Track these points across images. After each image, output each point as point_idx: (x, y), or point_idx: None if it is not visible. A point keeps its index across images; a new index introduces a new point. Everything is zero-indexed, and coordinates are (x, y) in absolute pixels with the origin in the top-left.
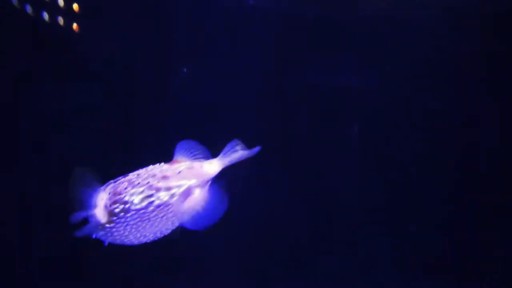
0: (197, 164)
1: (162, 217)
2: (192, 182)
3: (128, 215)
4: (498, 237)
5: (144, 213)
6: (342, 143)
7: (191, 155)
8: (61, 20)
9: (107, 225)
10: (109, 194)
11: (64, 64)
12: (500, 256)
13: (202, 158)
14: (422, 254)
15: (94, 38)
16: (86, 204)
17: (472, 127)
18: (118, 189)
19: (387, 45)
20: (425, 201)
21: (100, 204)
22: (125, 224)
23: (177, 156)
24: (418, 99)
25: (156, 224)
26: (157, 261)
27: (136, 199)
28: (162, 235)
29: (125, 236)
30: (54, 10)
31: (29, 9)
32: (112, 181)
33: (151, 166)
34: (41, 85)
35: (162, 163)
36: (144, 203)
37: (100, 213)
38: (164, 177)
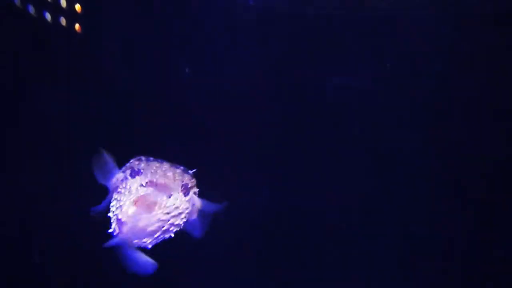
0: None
1: None
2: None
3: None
4: (498, 237)
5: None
6: (341, 143)
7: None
8: (63, 21)
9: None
10: (129, 169)
11: (65, 64)
12: (500, 256)
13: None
14: (422, 254)
15: (95, 38)
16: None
17: (472, 127)
18: (119, 180)
19: (387, 45)
20: (425, 201)
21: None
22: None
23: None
24: (418, 99)
25: None
26: (157, 261)
27: (114, 202)
28: None
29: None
30: (56, 10)
31: (31, 9)
32: (143, 161)
33: (137, 189)
34: (41, 85)
35: (135, 196)
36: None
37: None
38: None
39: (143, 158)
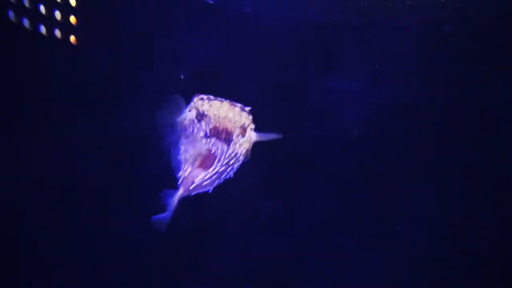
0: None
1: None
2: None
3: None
4: (498, 237)
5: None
6: (340, 143)
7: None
8: (58, 33)
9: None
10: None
11: (65, 67)
12: (500, 256)
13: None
14: (422, 255)
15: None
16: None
17: (471, 127)
18: (187, 119)
19: (387, 47)
20: (424, 201)
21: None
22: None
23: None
24: (417, 100)
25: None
26: (157, 261)
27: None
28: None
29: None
30: (51, 23)
31: (26, 22)
32: (205, 100)
33: (202, 142)
34: (42, 86)
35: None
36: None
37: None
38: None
39: (204, 97)
